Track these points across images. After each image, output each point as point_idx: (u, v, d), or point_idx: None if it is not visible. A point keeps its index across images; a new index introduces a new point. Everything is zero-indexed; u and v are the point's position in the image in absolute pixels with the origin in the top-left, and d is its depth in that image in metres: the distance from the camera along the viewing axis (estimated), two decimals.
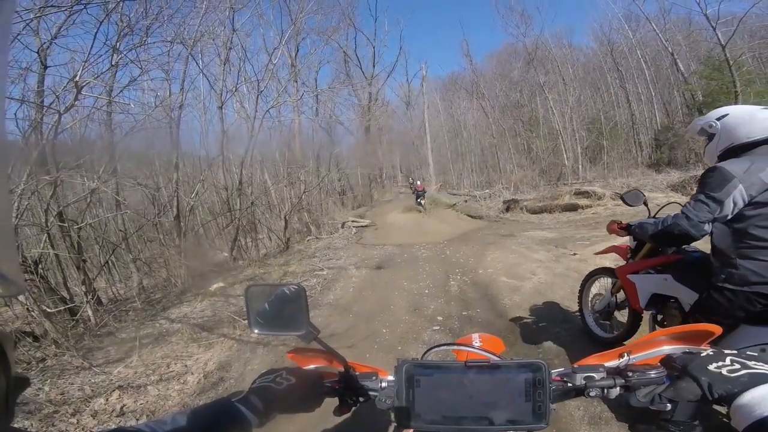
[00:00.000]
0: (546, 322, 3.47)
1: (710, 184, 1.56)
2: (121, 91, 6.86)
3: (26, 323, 4.03)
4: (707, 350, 0.60)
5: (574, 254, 5.61)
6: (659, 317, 2.23)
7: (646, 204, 2.43)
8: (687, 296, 1.92)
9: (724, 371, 0.52)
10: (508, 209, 11.32)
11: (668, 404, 0.59)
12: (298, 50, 17.00)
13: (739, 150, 1.62)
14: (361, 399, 0.73)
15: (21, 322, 4.12)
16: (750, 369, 0.51)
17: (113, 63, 6.07)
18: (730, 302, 1.59)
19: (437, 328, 3.69)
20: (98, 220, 6.79)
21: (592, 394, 0.65)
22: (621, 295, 2.63)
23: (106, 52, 5.90)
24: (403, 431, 0.70)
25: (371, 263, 6.74)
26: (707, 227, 1.60)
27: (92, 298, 4.84)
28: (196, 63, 10.15)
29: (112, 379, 3.18)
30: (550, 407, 0.63)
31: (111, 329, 4.50)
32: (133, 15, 6.30)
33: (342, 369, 0.74)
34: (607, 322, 2.87)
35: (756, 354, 0.55)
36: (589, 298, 3.00)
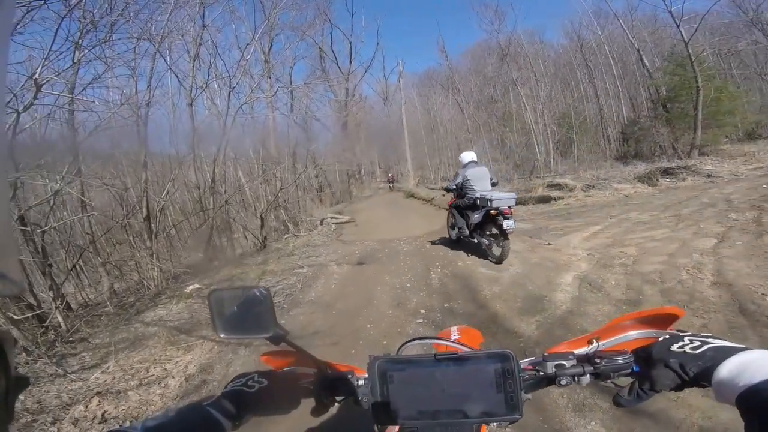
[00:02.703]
0: (525, 312, 3.59)
1: (456, 175, 5.84)
2: (84, 88, 6.45)
3: None
4: (665, 333, 0.62)
5: (549, 244, 5.80)
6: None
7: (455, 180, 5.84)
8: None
9: (687, 349, 0.53)
10: None
11: (653, 394, 0.58)
12: (271, 46, 16.57)
13: (465, 166, 5.71)
14: (337, 398, 0.73)
15: None
16: (710, 344, 0.52)
17: (75, 60, 5.74)
18: (463, 206, 5.64)
19: (421, 321, 3.75)
20: (63, 222, 6.45)
21: (563, 382, 0.63)
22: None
23: (68, 48, 5.55)
24: (384, 427, 0.70)
25: (352, 259, 6.73)
26: (453, 187, 5.75)
27: (61, 304, 4.61)
28: (164, 60, 9.71)
29: (89, 386, 3.07)
30: (523, 397, 0.62)
31: (84, 335, 4.33)
32: (97, 11, 5.94)
33: (316, 369, 0.74)
34: (454, 231, 6.21)
35: (706, 333, 0.56)
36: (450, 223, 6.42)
